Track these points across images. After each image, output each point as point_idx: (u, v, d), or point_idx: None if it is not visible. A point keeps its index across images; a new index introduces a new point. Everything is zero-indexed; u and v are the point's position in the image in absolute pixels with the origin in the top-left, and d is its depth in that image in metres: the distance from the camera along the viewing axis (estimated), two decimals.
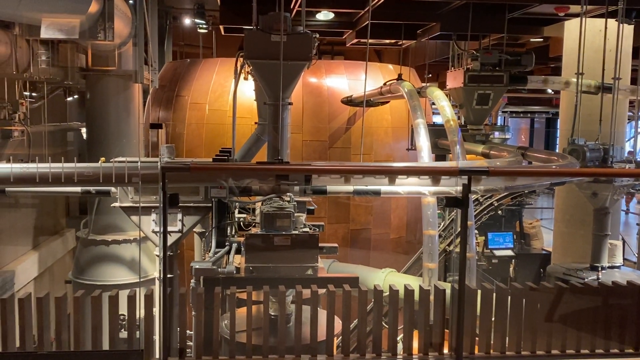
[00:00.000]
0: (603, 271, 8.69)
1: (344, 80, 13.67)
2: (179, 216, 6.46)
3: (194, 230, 7.59)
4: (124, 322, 4.62)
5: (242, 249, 5.86)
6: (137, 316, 4.67)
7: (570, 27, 12.90)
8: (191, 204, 6.57)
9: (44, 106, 10.41)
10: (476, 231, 13.25)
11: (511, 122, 39.76)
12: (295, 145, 12.45)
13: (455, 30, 12.72)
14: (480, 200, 12.99)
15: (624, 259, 10.98)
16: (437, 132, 10.92)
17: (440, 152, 11.36)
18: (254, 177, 6.01)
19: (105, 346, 4.62)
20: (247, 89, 9.87)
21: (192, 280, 6.02)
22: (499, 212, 14.24)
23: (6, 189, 6.74)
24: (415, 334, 4.86)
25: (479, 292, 4.91)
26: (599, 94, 9.82)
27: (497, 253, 16.69)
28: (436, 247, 8.20)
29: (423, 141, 8.68)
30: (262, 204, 6.12)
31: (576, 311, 4.89)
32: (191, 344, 4.76)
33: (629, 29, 11.84)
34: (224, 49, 17.49)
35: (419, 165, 7.91)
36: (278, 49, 6.25)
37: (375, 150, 13.46)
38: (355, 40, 14.77)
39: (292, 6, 10.93)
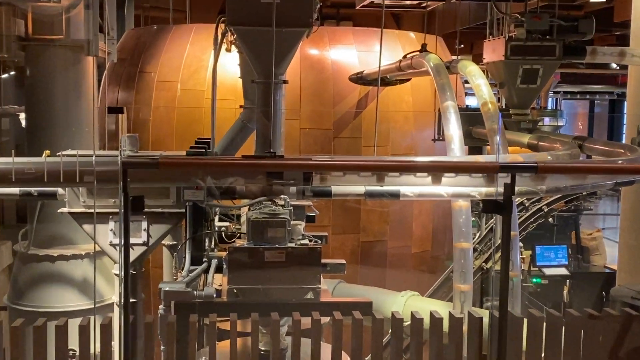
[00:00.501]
0: None
1: (352, 52, 13.71)
2: (144, 225, 6.49)
3: (163, 242, 7.57)
4: (74, 359, 4.62)
5: (224, 266, 5.87)
6: (92, 351, 4.63)
7: None
8: (159, 209, 6.58)
9: None
10: (521, 244, 13.10)
11: (565, 106, 39.85)
12: (291, 134, 12.37)
13: None
14: (526, 205, 13.03)
15: None
16: (471, 118, 10.90)
17: (474, 144, 11.32)
18: (239, 174, 5.98)
19: None
20: (230, 63, 9.83)
21: (161, 306, 5.93)
22: (550, 219, 14.36)
23: None
24: None
25: (525, 320, 4.93)
26: None
27: (548, 272, 16.64)
28: (470, 263, 8.28)
29: (453, 129, 8.70)
30: (249, 210, 6.08)
31: None
32: None
33: None
34: (201, 13, 17.52)
35: (448, 160, 7.89)
36: (269, 12, 6.24)
37: (393, 141, 13.50)
38: (367, 2, 14.78)
39: None
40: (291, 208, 6.13)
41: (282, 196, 6.22)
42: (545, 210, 13.32)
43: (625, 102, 16.09)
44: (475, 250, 12.20)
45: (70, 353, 4.65)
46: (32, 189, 6.79)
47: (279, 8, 6.27)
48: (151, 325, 4.80)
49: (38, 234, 9.98)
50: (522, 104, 11.05)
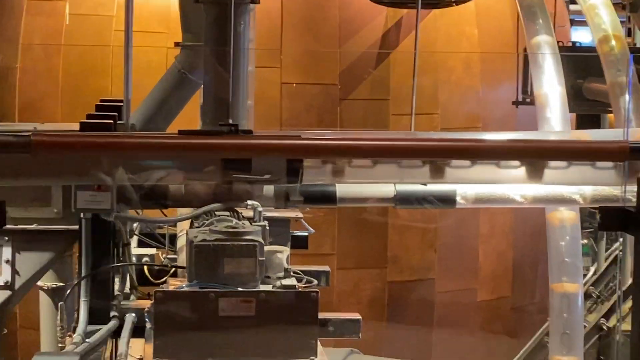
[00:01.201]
0: None
1: None
2: (7, 253, 5.86)
3: (40, 283, 6.87)
4: None
5: (147, 325, 5.15)
6: None
7: None
8: (34, 226, 5.92)
9: None
10: None
11: None
12: (267, 93, 11.01)
13: None
14: None
15: None
16: (580, 65, 9.82)
17: (587, 110, 10.42)
18: (175, 164, 5.39)
19: None
20: None
21: None
22: None
23: None
24: None
25: None
26: None
27: None
28: (579, 319, 7.59)
29: (550, 85, 8.03)
30: (191, 226, 5.56)
31: None
32: None
33: None
34: None
35: (536, 139, 6.30)
36: None
37: (445, 106, 11.55)
38: None
39: None
40: (266, 223, 5.61)
41: (249, 202, 5.77)
42: None
43: None
44: (588, 296, 10.99)
45: None
46: None
47: None
48: None
49: None
50: None
